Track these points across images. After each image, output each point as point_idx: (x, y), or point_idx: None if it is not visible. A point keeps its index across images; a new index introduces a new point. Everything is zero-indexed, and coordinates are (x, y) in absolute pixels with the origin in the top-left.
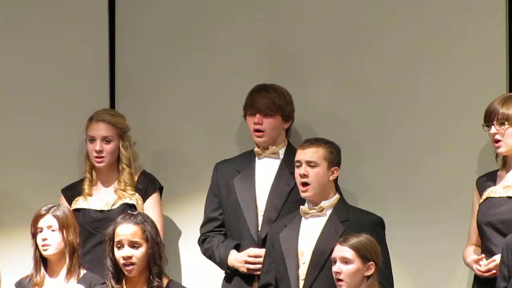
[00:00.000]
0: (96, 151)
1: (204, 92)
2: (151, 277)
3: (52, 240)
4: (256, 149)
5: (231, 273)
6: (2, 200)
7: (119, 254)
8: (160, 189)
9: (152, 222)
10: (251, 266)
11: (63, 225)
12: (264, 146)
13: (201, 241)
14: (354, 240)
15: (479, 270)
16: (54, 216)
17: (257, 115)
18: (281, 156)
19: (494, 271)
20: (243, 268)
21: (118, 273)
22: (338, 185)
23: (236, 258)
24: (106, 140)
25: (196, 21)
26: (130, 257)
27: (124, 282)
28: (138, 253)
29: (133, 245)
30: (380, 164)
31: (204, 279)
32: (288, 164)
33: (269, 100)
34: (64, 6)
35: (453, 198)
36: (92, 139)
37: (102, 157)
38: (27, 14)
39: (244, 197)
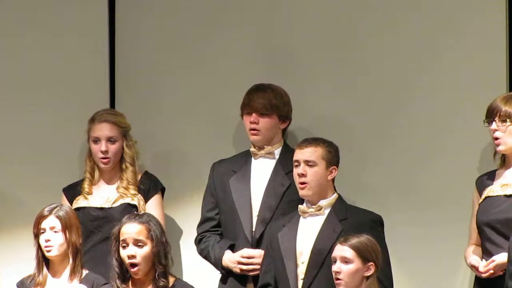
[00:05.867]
0: (102, 152)
1: (204, 92)
2: (156, 277)
3: (55, 241)
4: (252, 149)
5: (226, 274)
6: (3, 200)
7: (124, 253)
8: (162, 190)
9: (158, 221)
10: (244, 267)
11: (65, 226)
12: (259, 146)
13: (198, 241)
14: (354, 240)
15: (478, 271)
16: (57, 217)
17: (253, 115)
18: (277, 156)
19: (492, 271)
20: (236, 268)
21: (124, 273)
22: (334, 185)
23: (230, 259)
24: (111, 140)
25: (195, 21)
26: (134, 256)
27: (130, 282)
28: (142, 252)
29: (138, 243)
30: (381, 164)
31: (204, 278)
32: (284, 164)
33: (266, 100)
34: (64, 6)
35: (454, 198)
36: (97, 140)
37: (108, 158)
38: (27, 14)
39: (239, 197)
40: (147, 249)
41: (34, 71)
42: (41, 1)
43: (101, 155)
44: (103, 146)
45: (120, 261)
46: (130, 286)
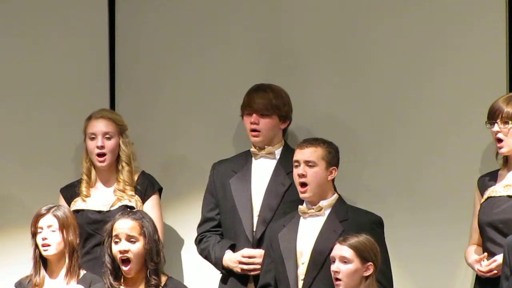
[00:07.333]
0: (98, 147)
1: (204, 92)
2: (148, 275)
3: (52, 240)
4: (252, 149)
5: (227, 274)
6: (1, 200)
7: (116, 248)
8: (160, 190)
9: (151, 219)
10: (245, 267)
11: (63, 225)
12: (260, 146)
13: (198, 241)
14: (354, 240)
15: (480, 270)
16: (55, 215)
17: (254, 115)
18: (277, 157)
19: (496, 271)
20: (237, 268)
21: (116, 271)
22: (335, 185)
23: (230, 259)
24: (107, 136)
25: (195, 21)
26: (126, 251)
27: (122, 280)
28: (134, 248)
29: (130, 239)
30: (381, 165)
31: (204, 279)
32: (284, 164)
33: (266, 100)
34: (64, 6)
35: (455, 198)
36: (93, 136)
37: (104, 155)
38: (27, 15)
39: (239, 197)
40: (139, 245)
41: (33, 71)
42: (41, 1)
43: (98, 151)
44: (99, 141)
45: (113, 258)
46: (122, 284)
